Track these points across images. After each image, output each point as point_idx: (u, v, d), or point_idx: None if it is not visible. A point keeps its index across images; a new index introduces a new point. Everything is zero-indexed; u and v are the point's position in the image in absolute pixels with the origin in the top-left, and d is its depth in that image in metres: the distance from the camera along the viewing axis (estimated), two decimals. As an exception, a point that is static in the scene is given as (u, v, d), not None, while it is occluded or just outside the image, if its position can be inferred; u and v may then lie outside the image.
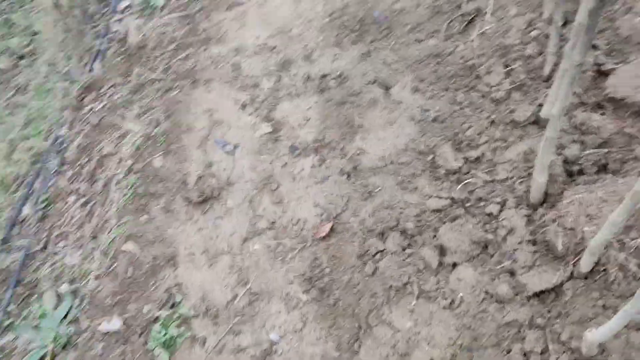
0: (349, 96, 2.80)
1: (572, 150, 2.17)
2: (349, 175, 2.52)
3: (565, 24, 2.53)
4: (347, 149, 2.60)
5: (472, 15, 2.90)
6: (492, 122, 2.50)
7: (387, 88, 2.80)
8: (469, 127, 2.51)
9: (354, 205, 2.40)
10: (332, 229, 2.34)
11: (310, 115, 2.79)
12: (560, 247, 1.92)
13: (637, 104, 2.25)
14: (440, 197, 2.30)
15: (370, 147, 2.58)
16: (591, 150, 2.15)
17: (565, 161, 2.16)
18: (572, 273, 1.89)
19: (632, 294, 1.77)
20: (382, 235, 2.28)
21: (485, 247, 2.12)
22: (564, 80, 1.67)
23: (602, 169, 2.12)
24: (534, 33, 2.72)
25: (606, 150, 2.14)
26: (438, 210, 2.28)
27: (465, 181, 2.32)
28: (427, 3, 3.08)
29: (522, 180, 2.22)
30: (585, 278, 1.87)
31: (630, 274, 1.77)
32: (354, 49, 3.01)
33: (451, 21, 2.95)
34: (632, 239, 1.80)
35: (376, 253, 2.24)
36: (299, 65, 3.02)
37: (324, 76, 2.92)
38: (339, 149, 2.62)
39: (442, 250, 2.16)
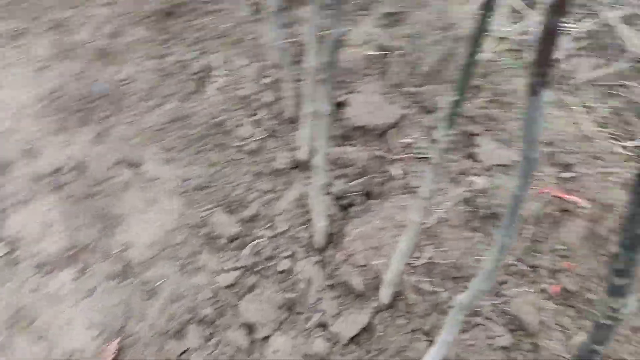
0: (93, 186, 2.44)
1: (339, 186, 2.23)
2: (120, 277, 2.17)
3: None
4: (110, 247, 2.25)
5: (203, 72, 2.82)
6: (256, 175, 2.45)
7: (136, 166, 2.52)
8: (236, 186, 2.41)
9: (138, 310, 2.07)
10: (119, 349, 1.98)
11: (53, 220, 2.34)
12: (358, 286, 1.93)
13: (376, 128, 2.44)
14: (229, 270, 2.14)
15: (136, 238, 2.27)
16: (354, 182, 2.24)
17: (336, 197, 2.21)
18: (377, 308, 1.92)
19: (434, 309, 1.87)
20: (180, 333, 2.01)
21: (291, 307, 2.03)
22: (320, 129, 1.67)
23: (368, 196, 2.23)
24: (267, 80, 2.76)
25: (366, 177, 2.26)
26: (232, 285, 2.10)
27: (250, 244, 2.20)
28: (151, 68, 2.89)
29: (303, 227, 2.20)
30: (390, 308, 1.91)
31: (425, 292, 1.87)
32: (84, 131, 2.65)
33: (184, 81, 2.82)
34: (416, 258, 1.91)
35: (179, 356, 1.96)
36: (20, 164, 2.53)
37: (56, 171, 2.49)
38: (99, 250, 2.25)
39: (249, 327, 1.99)
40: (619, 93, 2.41)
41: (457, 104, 1.20)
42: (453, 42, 2.78)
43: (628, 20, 2.54)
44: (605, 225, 2.07)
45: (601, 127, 2.35)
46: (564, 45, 2.61)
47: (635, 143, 2.26)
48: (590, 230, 2.11)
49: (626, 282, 0.82)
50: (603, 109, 2.39)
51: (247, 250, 2.18)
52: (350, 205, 2.21)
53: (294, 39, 2.85)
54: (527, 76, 0.78)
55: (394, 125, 2.42)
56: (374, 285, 1.92)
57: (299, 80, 2.63)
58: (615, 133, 2.34)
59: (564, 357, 1.84)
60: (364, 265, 1.93)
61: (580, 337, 1.91)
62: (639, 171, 0.69)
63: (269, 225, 2.25)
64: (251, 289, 2.07)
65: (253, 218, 2.29)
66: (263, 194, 2.36)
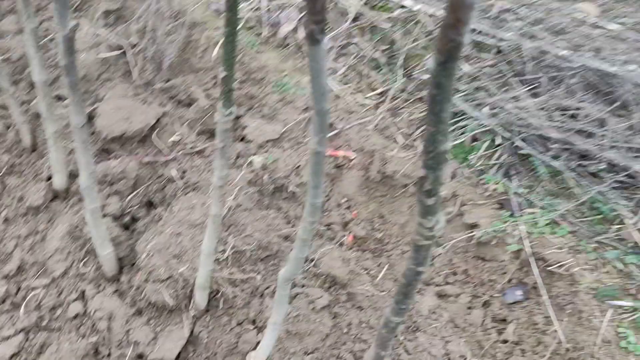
0: None
1: (114, 205, 2.00)
2: None
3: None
4: None
5: None
6: (5, 221, 2.05)
7: None
8: (-16, 241, 1.97)
9: None
10: None
11: None
12: (170, 300, 1.77)
13: (136, 133, 2.25)
14: (7, 338, 1.76)
15: None
16: (131, 195, 2.03)
17: (115, 218, 1.98)
18: (195, 316, 1.79)
19: (253, 296, 1.83)
20: None
21: (97, 352, 1.77)
22: (78, 146, 1.45)
23: (151, 206, 2.05)
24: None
25: (142, 187, 2.07)
26: (16, 354, 1.74)
27: (24, 300, 1.83)
28: None
29: (85, 260, 1.92)
30: (209, 311, 1.80)
31: (239, 282, 1.81)
32: None
33: None
34: (222, 252, 1.83)
35: None
36: None
37: None
38: None
39: (54, 395, 1.68)
40: (350, 51, 2.66)
41: (228, 80, 1.14)
42: (188, 29, 2.70)
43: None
44: (373, 169, 2.29)
45: (345, 84, 2.56)
46: (291, 16, 2.75)
47: (376, 92, 2.52)
48: (363, 178, 2.31)
49: (435, 200, 0.89)
50: (342, 67, 2.60)
51: (22, 309, 1.82)
52: (134, 220, 2.00)
53: (4, 55, 2.43)
54: (305, 26, 0.76)
55: (155, 126, 2.26)
56: (186, 293, 1.79)
57: (27, 101, 2.27)
58: (358, 87, 2.58)
59: (375, 294, 1.99)
60: (169, 278, 1.78)
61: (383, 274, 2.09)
62: (430, 95, 0.73)
63: (41, 272, 1.91)
64: (42, 349, 1.74)
65: (19, 270, 1.92)
66: (23, 240, 1.99)
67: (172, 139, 2.23)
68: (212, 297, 1.79)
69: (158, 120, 2.27)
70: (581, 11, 2.25)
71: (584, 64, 2.12)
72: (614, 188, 2.12)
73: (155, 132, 2.26)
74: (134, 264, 1.89)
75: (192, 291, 1.76)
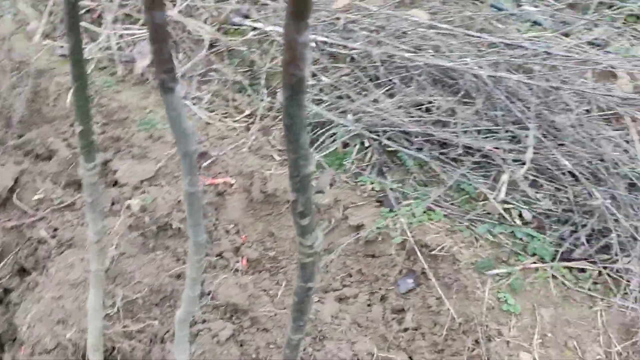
0: None
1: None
2: None
3: None
4: None
5: None
6: None
7: None
8: None
9: None
10: None
11: None
12: (63, 370, 1.66)
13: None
14: None
15: None
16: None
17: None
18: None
19: (153, 344, 1.77)
20: None
21: None
22: None
23: (24, 272, 1.90)
24: None
25: (10, 256, 1.91)
26: None
27: None
28: None
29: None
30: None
31: (135, 333, 1.74)
32: None
33: None
34: (111, 306, 1.75)
35: None
36: None
37: None
38: None
39: None
40: (212, 77, 2.66)
41: (86, 133, 1.10)
42: (34, 78, 2.54)
43: (188, 12, 2.79)
44: (254, 190, 2.31)
45: (212, 111, 2.56)
46: (145, 50, 2.69)
47: (245, 114, 2.55)
48: (246, 200, 2.32)
49: (309, 220, 0.93)
50: (206, 95, 2.60)
51: None
52: (7, 292, 1.84)
53: None
54: (155, 76, 0.77)
55: (15, 186, 2.10)
56: (78, 359, 1.68)
57: None
58: (226, 111, 2.59)
59: (278, 313, 2.01)
60: (57, 346, 1.66)
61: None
62: (285, 126, 0.77)
63: None
64: None
65: None
66: None
67: (35, 197, 2.08)
68: (108, 355, 1.70)
69: (16, 179, 2.11)
70: (414, 16, 2.46)
71: (426, 62, 2.32)
72: (473, 169, 2.34)
73: (15, 192, 2.10)
74: (15, 339, 1.74)
75: (84, 355, 1.66)
